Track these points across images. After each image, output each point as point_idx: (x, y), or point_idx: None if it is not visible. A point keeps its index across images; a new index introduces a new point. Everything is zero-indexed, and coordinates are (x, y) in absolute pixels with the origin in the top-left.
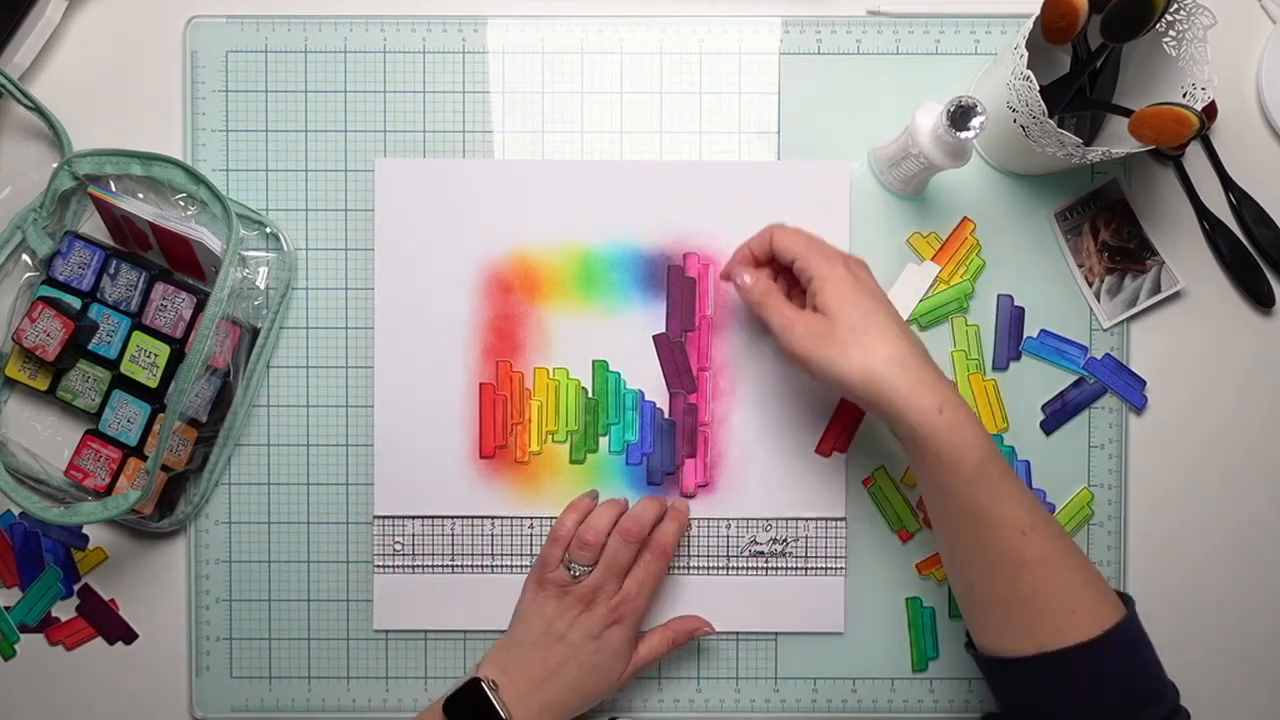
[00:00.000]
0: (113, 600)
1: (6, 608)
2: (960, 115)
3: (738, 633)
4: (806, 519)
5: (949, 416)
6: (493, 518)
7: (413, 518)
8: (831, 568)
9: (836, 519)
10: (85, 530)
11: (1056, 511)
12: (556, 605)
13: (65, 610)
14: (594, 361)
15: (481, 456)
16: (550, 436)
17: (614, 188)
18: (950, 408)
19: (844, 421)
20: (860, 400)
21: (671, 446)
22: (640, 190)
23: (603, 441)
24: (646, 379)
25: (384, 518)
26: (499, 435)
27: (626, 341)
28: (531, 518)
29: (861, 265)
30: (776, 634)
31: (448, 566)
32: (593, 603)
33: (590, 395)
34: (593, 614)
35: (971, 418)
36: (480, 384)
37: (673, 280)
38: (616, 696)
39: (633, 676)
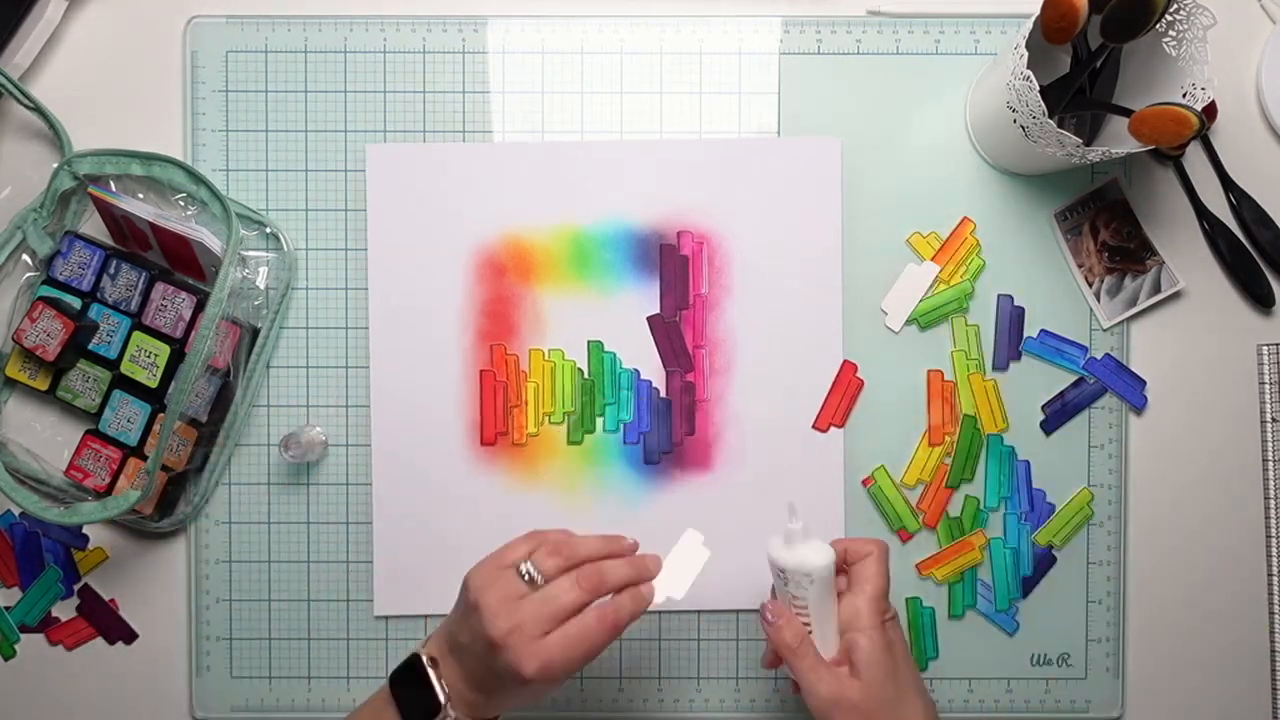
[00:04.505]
0: (113, 600)
1: (6, 608)
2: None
3: (737, 610)
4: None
5: None
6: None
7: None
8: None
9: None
10: (85, 530)
11: (1056, 511)
12: (496, 606)
13: (65, 610)
14: (589, 342)
15: (482, 443)
16: (547, 418)
17: (605, 167)
18: None
19: (840, 397)
20: None
21: (668, 425)
22: (631, 169)
23: (599, 422)
24: (642, 358)
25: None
26: (499, 422)
27: (621, 321)
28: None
29: (898, 625)
30: None
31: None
32: (508, 639)
33: (586, 376)
34: (506, 649)
35: None
36: (480, 371)
37: (666, 259)
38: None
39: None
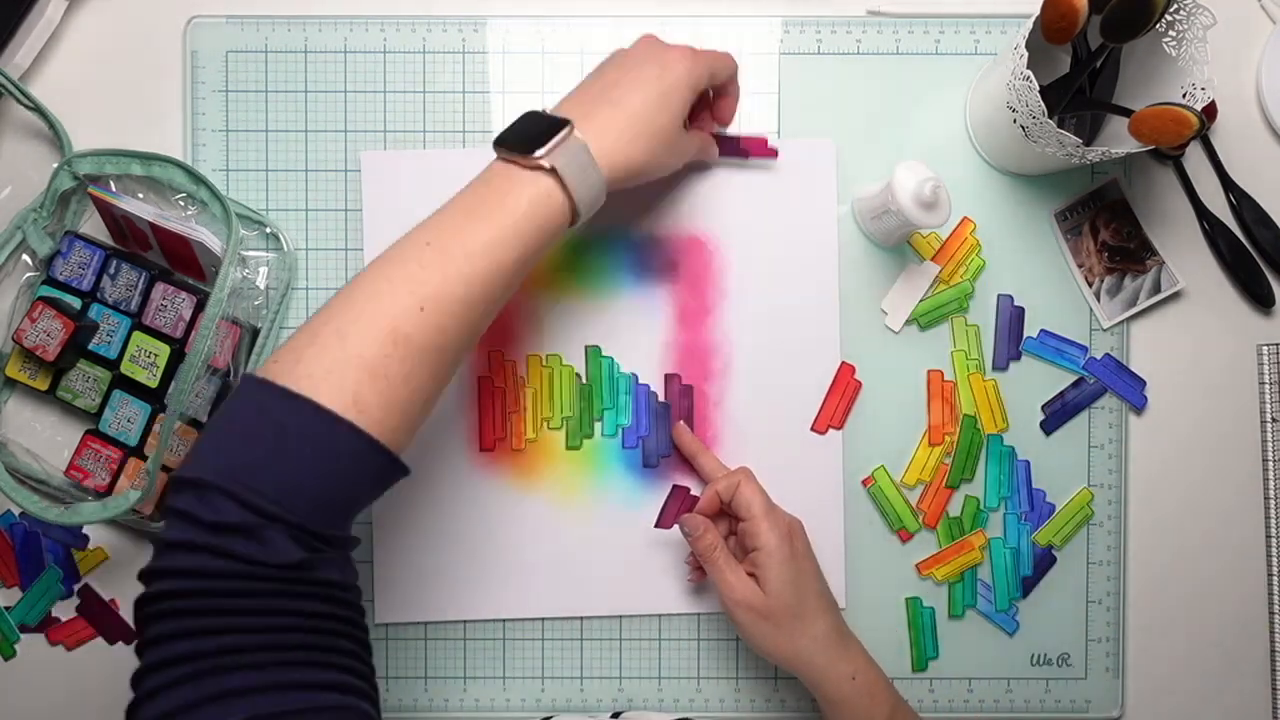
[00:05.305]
0: (113, 600)
1: (6, 608)
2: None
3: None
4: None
5: (860, 681)
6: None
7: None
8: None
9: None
10: (85, 530)
11: (1056, 511)
12: (625, 53)
13: (65, 610)
14: (587, 347)
15: (481, 449)
16: (546, 423)
17: None
18: (861, 673)
19: (838, 399)
20: (782, 666)
21: (667, 429)
22: None
23: (598, 426)
24: (640, 362)
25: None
26: (498, 428)
27: (619, 326)
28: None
29: (801, 534)
30: None
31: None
32: (664, 42)
33: (584, 381)
34: (663, 46)
35: (879, 679)
36: (478, 377)
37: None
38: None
39: (689, 155)
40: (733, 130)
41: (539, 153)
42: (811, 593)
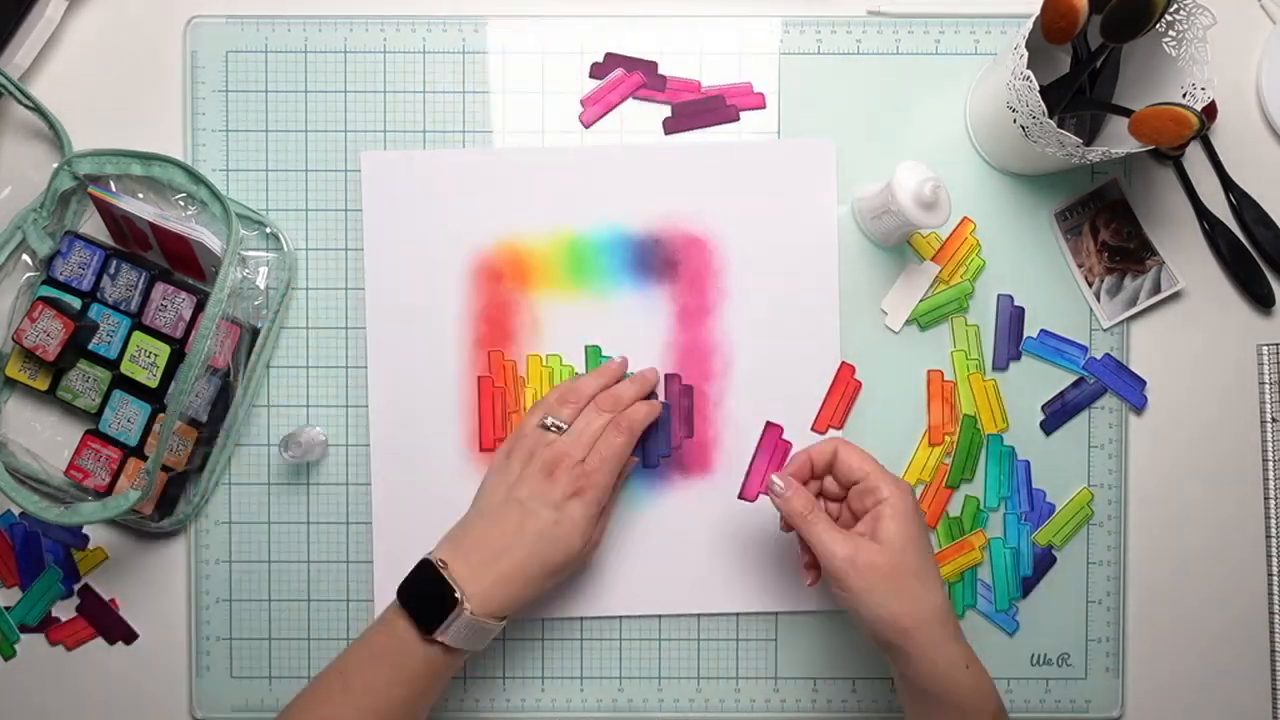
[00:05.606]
0: (113, 600)
1: (6, 608)
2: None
3: (738, 614)
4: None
5: (974, 672)
6: None
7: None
8: None
9: None
10: (85, 530)
11: (1056, 511)
12: (521, 470)
13: (65, 610)
14: (586, 347)
15: (481, 449)
16: None
17: (599, 173)
18: (974, 664)
19: (838, 399)
20: (888, 640)
21: (667, 429)
22: (625, 174)
23: None
24: (640, 362)
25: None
26: (498, 428)
27: (618, 326)
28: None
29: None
30: (777, 614)
31: None
32: (555, 471)
33: None
34: (554, 482)
35: (988, 675)
36: (479, 378)
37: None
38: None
39: (593, 555)
40: (730, 131)
41: (435, 633)
42: (930, 557)
